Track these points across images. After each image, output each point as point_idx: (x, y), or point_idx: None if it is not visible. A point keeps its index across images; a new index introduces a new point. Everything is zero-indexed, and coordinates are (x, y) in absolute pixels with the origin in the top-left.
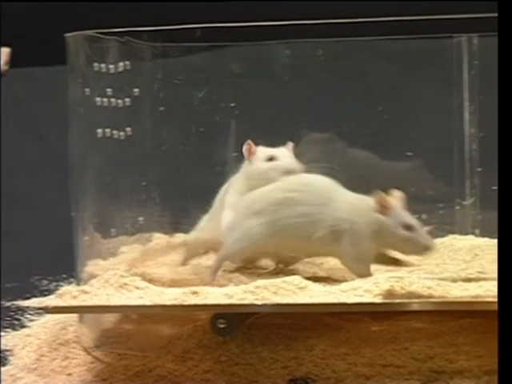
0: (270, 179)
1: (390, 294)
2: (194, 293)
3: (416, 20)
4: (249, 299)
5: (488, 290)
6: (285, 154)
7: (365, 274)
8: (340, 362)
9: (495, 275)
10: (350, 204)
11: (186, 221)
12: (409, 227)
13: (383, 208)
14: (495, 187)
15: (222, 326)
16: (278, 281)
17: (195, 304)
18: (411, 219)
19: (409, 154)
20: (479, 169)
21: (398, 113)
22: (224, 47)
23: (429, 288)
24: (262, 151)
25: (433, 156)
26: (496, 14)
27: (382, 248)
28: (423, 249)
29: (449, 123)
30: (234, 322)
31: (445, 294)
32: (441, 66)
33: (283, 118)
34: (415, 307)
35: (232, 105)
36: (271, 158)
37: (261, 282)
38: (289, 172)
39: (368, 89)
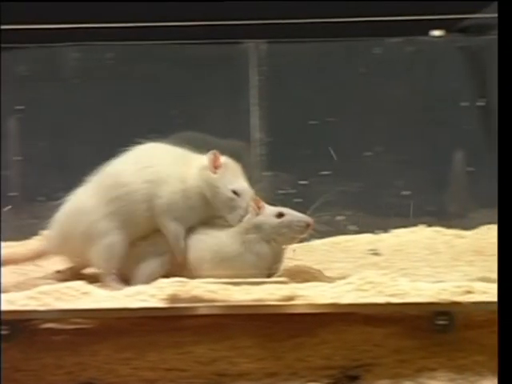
0: None
1: (174, 298)
2: None
3: (206, 25)
4: (31, 305)
5: (271, 293)
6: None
7: None
8: (124, 366)
9: None
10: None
11: None
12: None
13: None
14: (282, 191)
15: (4, 332)
16: (61, 286)
17: None
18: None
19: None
20: (268, 173)
21: (190, 117)
22: (11, 49)
23: (212, 292)
24: None
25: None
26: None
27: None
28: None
29: (239, 128)
30: (16, 328)
31: (228, 297)
32: (231, 72)
33: (73, 120)
34: (199, 311)
35: (19, 107)
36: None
37: (44, 287)
38: None
39: (159, 93)
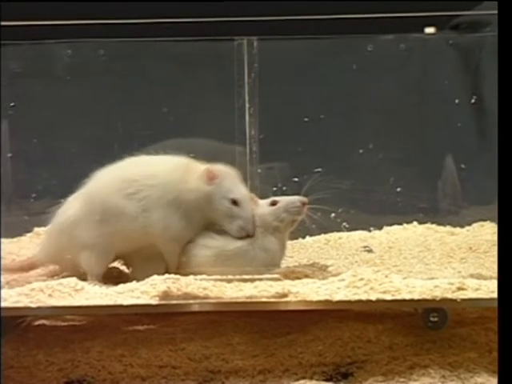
0: None
1: (166, 295)
2: None
3: (198, 22)
4: (23, 302)
5: (263, 290)
6: None
7: None
8: (116, 363)
9: None
10: None
11: None
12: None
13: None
14: (275, 188)
15: None
16: (53, 283)
17: None
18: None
19: (192, 155)
20: (259, 170)
21: (182, 114)
22: (3, 46)
23: (205, 289)
24: None
25: (217, 158)
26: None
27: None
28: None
29: (230, 125)
30: (8, 324)
31: (221, 294)
32: (222, 69)
33: (64, 117)
34: (192, 308)
35: (11, 104)
36: None
37: (36, 284)
38: None
39: (152, 90)
